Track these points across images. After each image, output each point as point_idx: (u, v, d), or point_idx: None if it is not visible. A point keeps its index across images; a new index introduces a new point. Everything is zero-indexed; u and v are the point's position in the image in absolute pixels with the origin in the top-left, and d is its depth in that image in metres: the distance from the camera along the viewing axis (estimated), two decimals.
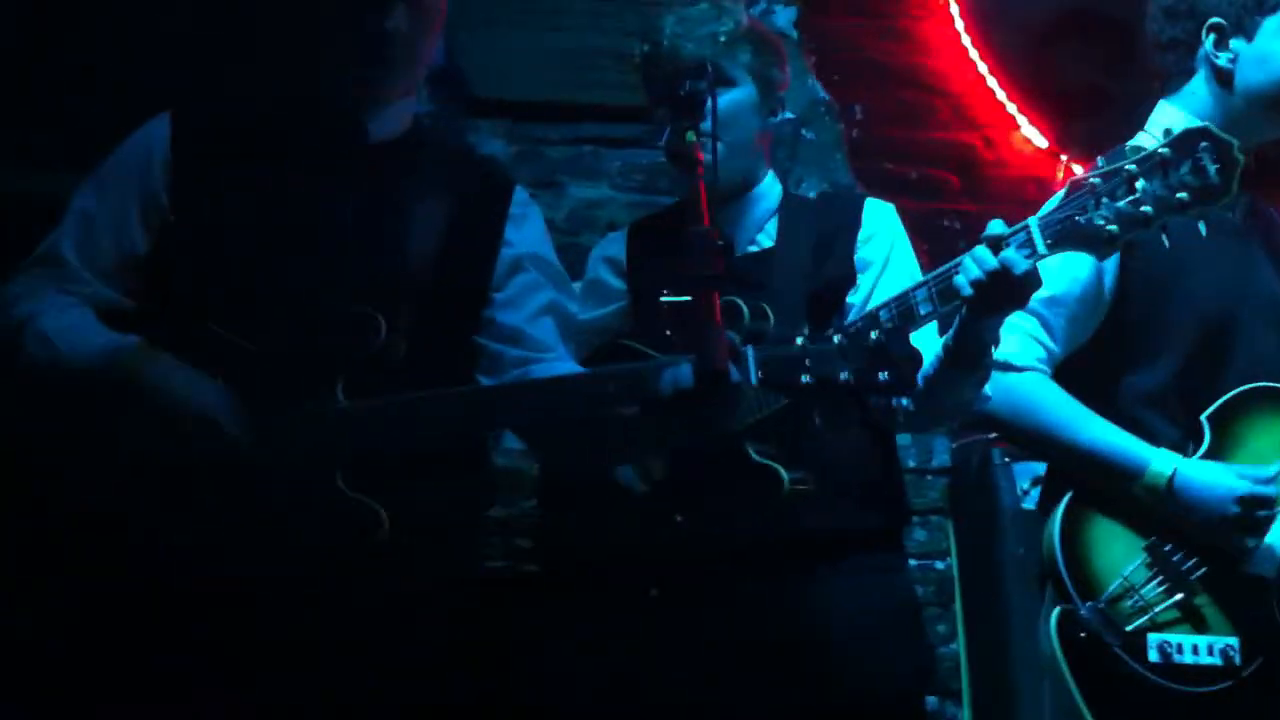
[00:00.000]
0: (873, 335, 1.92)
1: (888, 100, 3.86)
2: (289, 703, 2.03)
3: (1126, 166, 1.88)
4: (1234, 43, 2.40)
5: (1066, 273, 2.33)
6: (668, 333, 1.98)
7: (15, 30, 3.16)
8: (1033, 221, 1.96)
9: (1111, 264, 2.33)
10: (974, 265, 1.98)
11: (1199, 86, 2.44)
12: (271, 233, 2.14)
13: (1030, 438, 2.38)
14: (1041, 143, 3.86)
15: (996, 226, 1.99)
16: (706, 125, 2.22)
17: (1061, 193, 1.97)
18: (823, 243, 2.45)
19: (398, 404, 2.07)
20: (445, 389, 2.12)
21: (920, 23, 3.92)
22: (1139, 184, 1.87)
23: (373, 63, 2.19)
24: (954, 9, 3.90)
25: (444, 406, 2.11)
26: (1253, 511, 2.22)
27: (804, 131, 3.59)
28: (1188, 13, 2.43)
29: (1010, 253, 1.96)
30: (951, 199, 3.76)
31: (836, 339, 1.92)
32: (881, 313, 2.09)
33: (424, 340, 2.15)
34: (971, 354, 2.14)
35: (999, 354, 2.29)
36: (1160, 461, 2.25)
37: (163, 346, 2.09)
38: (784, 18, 3.67)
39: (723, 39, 2.41)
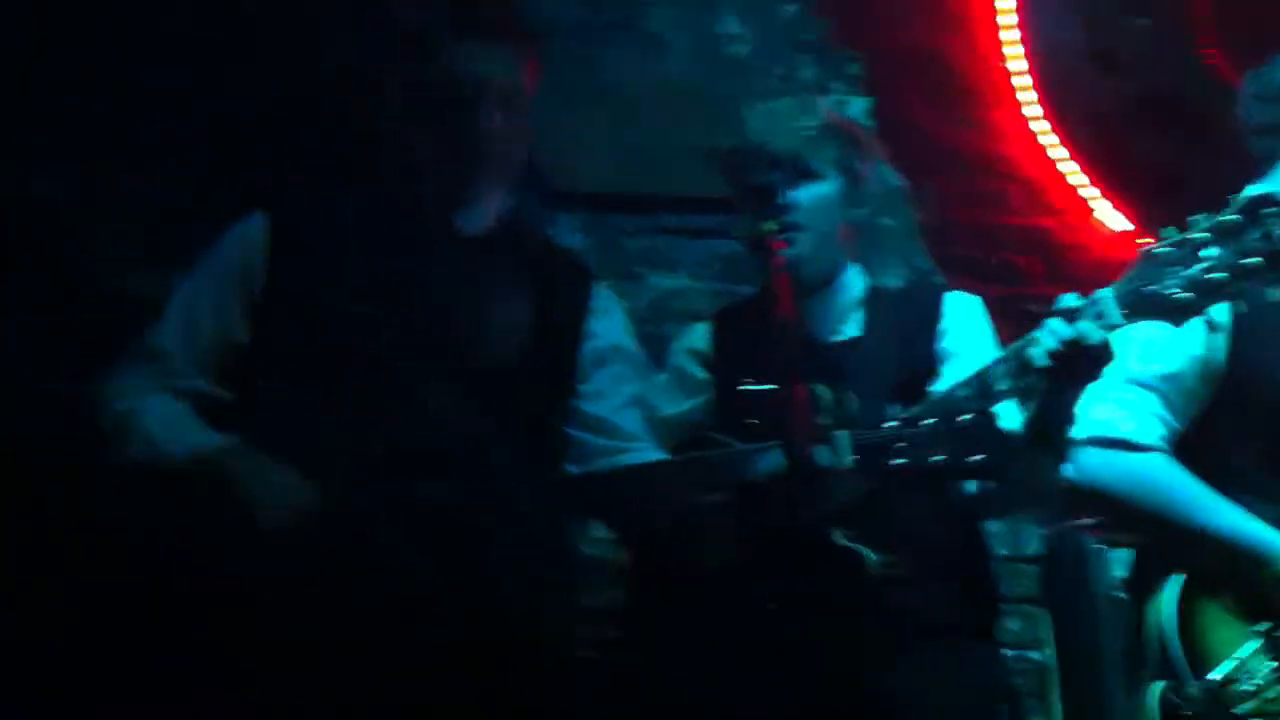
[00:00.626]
0: (962, 419, 1.91)
1: (961, 186, 3.88)
2: None
3: (1195, 234, 1.89)
4: None
5: (1182, 349, 2.32)
6: (753, 421, 1.99)
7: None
8: (1105, 293, 1.98)
9: (1224, 338, 2.31)
10: (1049, 337, 1.99)
11: None
12: (362, 326, 2.19)
13: (1151, 520, 2.35)
14: (1121, 225, 3.85)
15: (1069, 299, 2.00)
16: (789, 217, 2.26)
17: (1135, 264, 1.98)
18: (906, 334, 2.47)
19: (491, 494, 2.10)
20: (541, 479, 2.17)
21: (991, 110, 3.94)
22: (1209, 251, 1.89)
23: (469, 161, 2.27)
24: (1022, 95, 3.91)
25: (536, 494, 2.14)
26: None
27: (882, 219, 3.62)
28: (1277, 97, 2.44)
29: (1084, 324, 1.97)
30: (1033, 284, 3.75)
31: (929, 422, 1.92)
32: (960, 390, 2.09)
33: (511, 430, 2.18)
34: (1049, 432, 2.13)
35: (1121, 433, 2.29)
36: None
37: (261, 440, 2.12)
38: (857, 108, 3.70)
39: (809, 133, 2.45)
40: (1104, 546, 2.95)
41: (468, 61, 2.29)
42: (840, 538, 2.23)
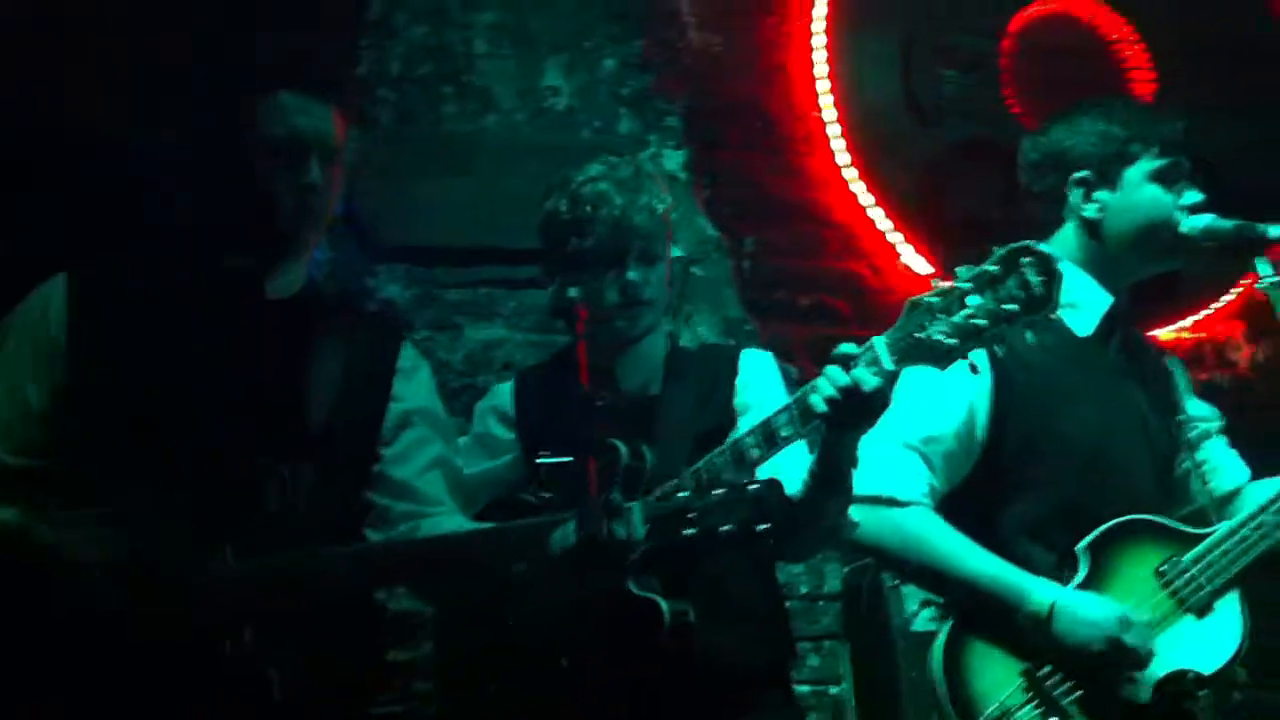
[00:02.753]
0: (750, 489, 2.00)
1: (779, 232, 4.00)
2: None
3: (959, 284, 2.00)
4: (1099, 194, 2.53)
5: (941, 412, 2.45)
6: (546, 495, 2.04)
7: None
8: (877, 340, 2.06)
9: (984, 403, 2.45)
10: (827, 384, 2.07)
11: (1069, 234, 2.57)
12: (170, 392, 2.17)
13: (918, 570, 2.47)
14: (925, 269, 4.02)
15: (846, 347, 2.09)
16: (642, 294, 2.36)
17: (904, 312, 2.08)
18: (704, 391, 2.54)
19: (289, 564, 2.09)
20: (335, 548, 2.15)
21: (808, 159, 4.07)
22: (970, 299, 1.99)
23: (295, 216, 2.25)
24: (837, 144, 4.06)
25: (337, 566, 2.13)
26: (1129, 646, 2.30)
27: (694, 269, 3.72)
28: (1053, 167, 2.57)
29: (859, 370, 2.06)
30: (843, 325, 3.88)
31: (719, 493, 2.00)
32: (747, 438, 2.17)
33: (319, 497, 2.19)
34: (834, 475, 2.22)
35: (885, 490, 2.41)
36: (1041, 592, 2.33)
37: (56, 503, 2.11)
38: (674, 161, 3.82)
39: (659, 210, 2.51)
40: (900, 583, 3.10)
41: (285, 116, 2.25)
42: (635, 588, 2.28)
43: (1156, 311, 4.11)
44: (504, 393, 2.67)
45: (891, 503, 2.42)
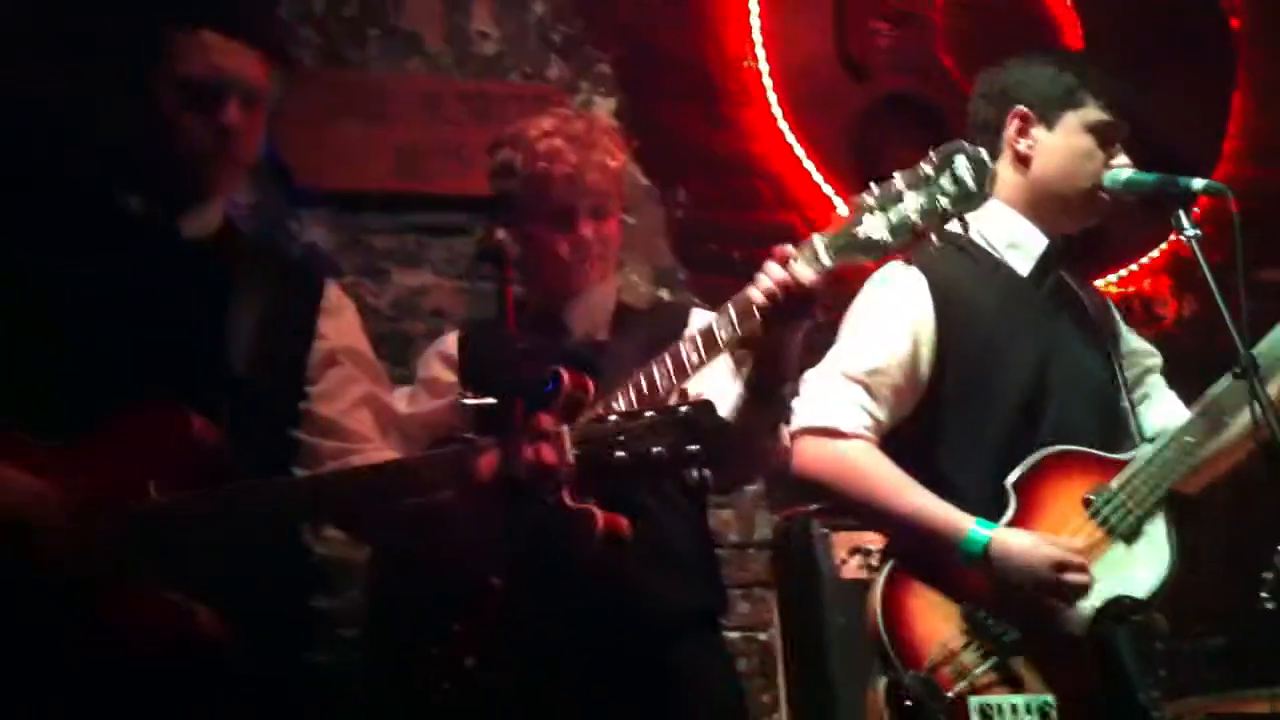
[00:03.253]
0: (682, 410, 1.98)
1: (712, 185, 3.98)
2: None
3: (895, 184, 2.06)
4: (1035, 131, 2.54)
5: (887, 345, 2.44)
6: (468, 435, 2.01)
7: None
8: (816, 237, 2.10)
9: (928, 336, 2.45)
10: (765, 278, 2.09)
11: (1004, 169, 2.57)
12: (86, 333, 2.13)
13: (857, 504, 2.45)
14: None
15: (784, 246, 2.12)
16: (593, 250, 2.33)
17: (845, 213, 2.13)
18: (651, 342, 2.51)
19: (213, 499, 2.05)
20: (263, 481, 2.12)
21: (741, 110, 4.05)
22: (906, 197, 2.05)
23: (212, 158, 2.21)
24: (772, 96, 4.05)
25: (262, 498, 2.10)
26: (1067, 578, 2.31)
27: (626, 218, 3.69)
28: (999, 97, 2.58)
29: (797, 265, 2.08)
30: None
31: (649, 414, 1.98)
32: (685, 344, 2.17)
33: (243, 434, 2.15)
34: (769, 384, 2.22)
35: (828, 421, 2.39)
36: (977, 531, 2.33)
37: None
38: (604, 109, 3.77)
39: (611, 166, 2.52)
40: (829, 531, 3.10)
41: (205, 55, 2.21)
42: (569, 501, 2.21)
43: (1084, 266, 4.14)
44: (451, 338, 2.67)
45: (834, 434, 2.40)
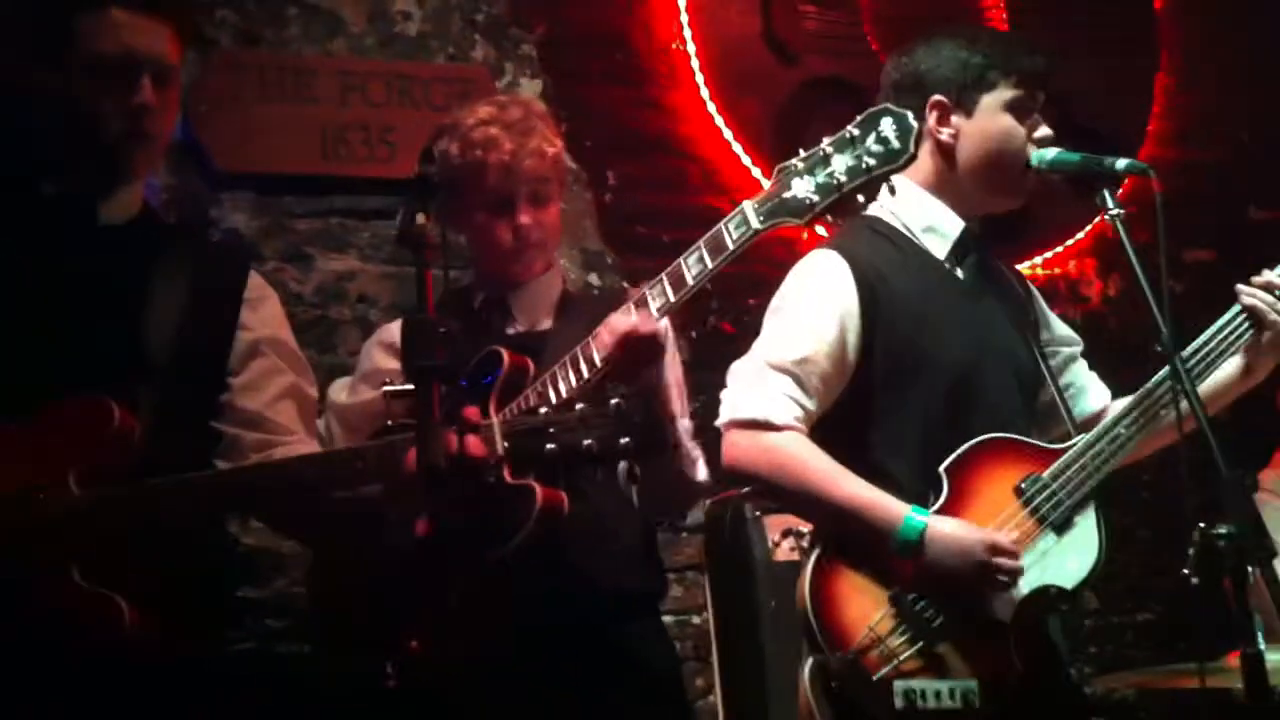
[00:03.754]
0: (613, 403, 1.97)
1: (641, 167, 3.96)
2: None
3: (824, 148, 2.14)
4: (955, 119, 2.52)
5: (813, 333, 2.42)
6: (389, 423, 1.99)
7: None
8: (746, 204, 2.17)
9: (854, 322, 2.43)
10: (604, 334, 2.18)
11: (923, 159, 2.53)
12: (1, 322, 2.08)
13: (791, 496, 2.44)
14: None
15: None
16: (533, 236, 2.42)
17: (773, 178, 2.19)
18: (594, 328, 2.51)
19: (134, 492, 2.03)
20: (184, 475, 2.09)
21: (669, 92, 4.03)
22: (833, 159, 2.12)
23: (126, 138, 2.16)
24: (699, 78, 4.03)
25: (183, 493, 2.07)
26: (999, 562, 2.31)
27: None
28: (913, 88, 2.54)
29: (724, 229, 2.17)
30: None
31: (580, 407, 1.96)
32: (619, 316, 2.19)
33: (164, 426, 2.11)
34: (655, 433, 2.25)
35: (759, 413, 2.38)
36: (912, 519, 2.32)
37: None
38: (529, 91, 3.73)
39: (548, 153, 2.56)
40: (761, 514, 3.10)
41: (115, 33, 2.16)
42: (509, 477, 2.22)
43: (1010, 247, 4.17)
44: (394, 327, 2.67)
45: (766, 426, 2.38)
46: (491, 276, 2.59)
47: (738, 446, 2.40)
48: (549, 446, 1.98)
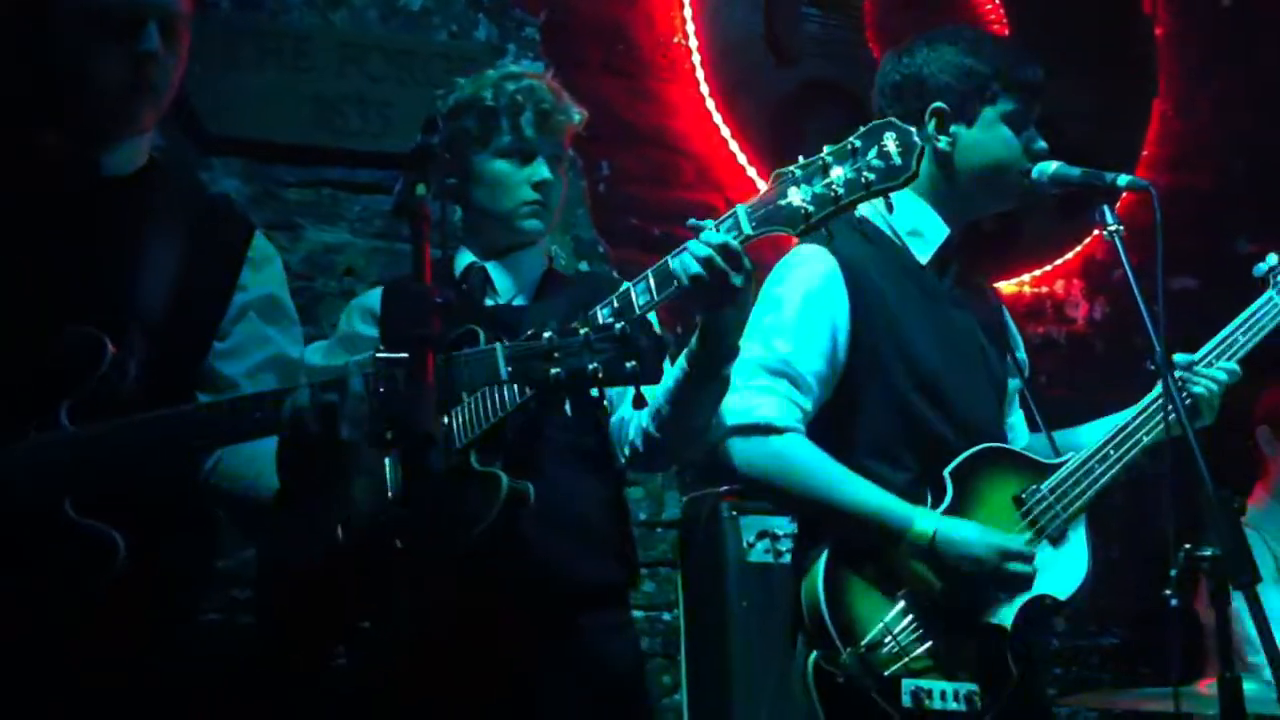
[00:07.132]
0: (618, 326, 1.94)
1: (635, 159, 3.94)
2: None
3: (823, 157, 2.07)
4: (954, 127, 2.51)
5: (808, 335, 2.40)
6: (381, 389, 1.95)
7: None
8: (740, 207, 2.11)
9: (844, 323, 2.42)
10: (688, 255, 2.08)
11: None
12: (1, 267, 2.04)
13: (800, 499, 2.43)
14: None
15: (707, 222, 2.11)
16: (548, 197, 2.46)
17: (770, 183, 2.12)
18: (574, 309, 2.47)
19: (122, 426, 1.98)
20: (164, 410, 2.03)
21: (668, 85, 4.01)
22: (832, 170, 2.05)
23: (130, 89, 2.10)
24: (699, 74, 4.01)
25: (172, 423, 2.01)
26: (1012, 568, 2.32)
27: None
28: (914, 94, 2.53)
29: (718, 235, 2.08)
30: None
31: (583, 332, 1.93)
32: (603, 309, 2.13)
33: (156, 375, 2.07)
34: (711, 362, 2.21)
35: (761, 417, 2.36)
36: (923, 521, 2.33)
37: None
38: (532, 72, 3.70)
39: (576, 120, 2.60)
40: (737, 514, 3.09)
41: None
42: (475, 463, 2.27)
43: (998, 265, 4.17)
44: (375, 293, 2.65)
45: (769, 430, 2.36)
46: (493, 235, 2.56)
47: (745, 453, 2.38)
48: (553, 371, 1.92)
